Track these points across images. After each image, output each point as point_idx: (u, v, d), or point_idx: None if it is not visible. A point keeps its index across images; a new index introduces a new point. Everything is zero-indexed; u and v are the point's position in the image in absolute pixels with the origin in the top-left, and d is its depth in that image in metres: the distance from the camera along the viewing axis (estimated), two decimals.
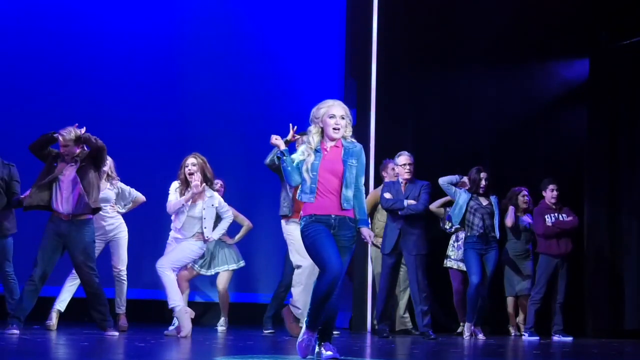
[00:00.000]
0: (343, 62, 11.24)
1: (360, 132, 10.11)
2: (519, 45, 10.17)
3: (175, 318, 7.27)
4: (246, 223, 8.81)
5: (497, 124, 10.24)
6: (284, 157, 5.15)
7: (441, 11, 10.16)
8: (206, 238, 7.26)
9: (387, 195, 8.20)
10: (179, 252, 7.23)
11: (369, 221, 5.33)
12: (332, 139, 5.15)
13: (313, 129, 5.16)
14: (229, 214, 7.51)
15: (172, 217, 7.36)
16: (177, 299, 7.12)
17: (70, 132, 7.03)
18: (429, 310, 8.06)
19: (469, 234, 8.45)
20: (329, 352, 5.05)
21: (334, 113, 5.13)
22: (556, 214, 8.89)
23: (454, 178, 8.50)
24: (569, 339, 8.61)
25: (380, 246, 8.73)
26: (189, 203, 7.20)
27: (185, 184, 7.22)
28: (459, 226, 8.73)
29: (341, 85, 11.26)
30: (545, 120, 10.32)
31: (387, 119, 10.00)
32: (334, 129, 5.11)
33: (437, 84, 10.21)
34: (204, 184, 7.22)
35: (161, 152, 9.73)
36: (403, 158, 8.25)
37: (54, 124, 7.26)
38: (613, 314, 9.34)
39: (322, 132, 5.16)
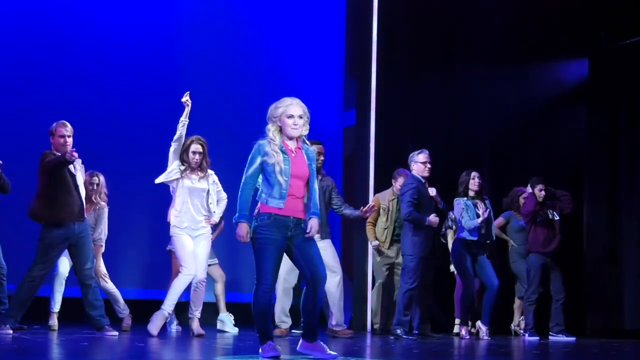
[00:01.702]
0: (343, 62, 11.25)
1: (360, 132, 10.13)
2: (519, 45, 10.16)
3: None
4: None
5: (497, 124, 10.23)
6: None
7: (441, 11, 10.15)
8: (209, 220, 7.37)
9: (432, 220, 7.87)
10: (204, 256, 7.31)
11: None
12: (290, 138, 5.14)
13: (272, 128, 5.15)
14: (224, 195, 7.60)
15: (175, 202, 7.34)
16: (172, 305, 7.27)
17: (67, 125, 7.08)
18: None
19: (464, 236, 8.40)
20: (325, 353, 5.05)
21: (292, 113, 5.12)
22: (544, 212, 8.87)
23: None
24: (572, 338, 8.60)
25: (382, 251, 8.72)
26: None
27: (189, 165, 7.30)
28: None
29: (341, 85, 11.26)
30: (545, 120, 10.31)
31: (387, 119, 9.99)
32: (292, 128, 5.11)
33: (437, 84, 10.20)
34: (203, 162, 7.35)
35: (159, 152, 9.68)
36: (424, 156, 8.05)
37: (52, 121, 7.24)
38: (613, 314, 9.34)
39: (280, 130, 5.15)
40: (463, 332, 8.35)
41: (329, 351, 5.10)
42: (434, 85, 10.21)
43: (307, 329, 5.17)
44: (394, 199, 8.71)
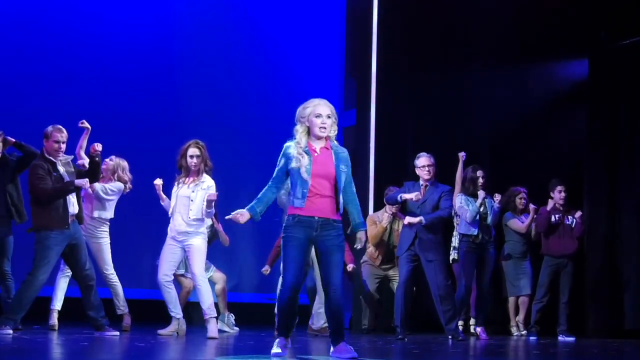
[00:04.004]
0: (343, 62, 11.26)
1: (360, 132, 10.13)
2: (518, 45, 10.16)
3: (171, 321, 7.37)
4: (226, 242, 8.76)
5: (496, 124, 10.23)
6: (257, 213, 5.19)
7: (441, 11, 10.16)
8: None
9: (406, 196, 7.73)
10: (200, 258, 7.27)
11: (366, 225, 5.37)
12: (319, 138, 5.17)
13: (300, 129, 5.19)
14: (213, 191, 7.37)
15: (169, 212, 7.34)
16: (175, 307, 7.32)
17: (63, 130, 7.09)
18: (453, 311, 7.88)
19: (465, 232, 8.41)
20: (344, 354, 5.11)
21: (320, 112, 5.15)
22: (561, 215, 8.91)
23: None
24: (572, 338, 8.62)
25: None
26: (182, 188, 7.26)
27: (186, 170, 7.25)
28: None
29: (341, 85, 11.27)
30: (545, 120, 10.31)
31: (387, 119, 9.99)
32: (321, 128, 5.13)
33: (437, 84, 10.21)
34: (201, 165, 7.24)
35: (159, 151, 9.69)
36: (423, 159, 7.91)
37: (50, 121, 7.24)
38: (613, 314, 9.34)
39: (308, 131, 5.18)
40: (482, 334, 8.39)
41: (341, 355, 5.14)
42: (434, 85, 10.22)
43: (330, 333, 5.24)
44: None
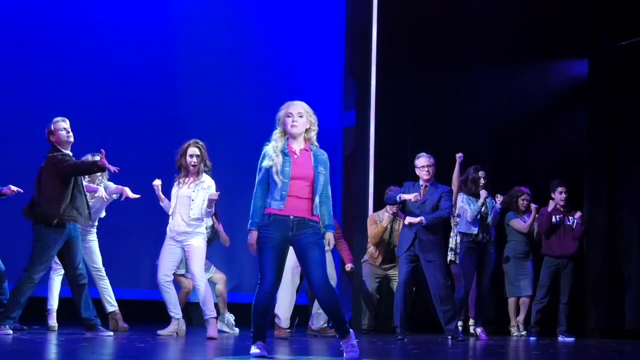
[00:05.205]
0: (343, 63, 11.26)
1: (360, 132, 10.13)
2: (519, 45, 10.16)
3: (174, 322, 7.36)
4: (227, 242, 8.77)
5: (496, 124, 10.23)
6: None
7: (441, 11, 10.16)
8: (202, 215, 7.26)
9: (405, 196, 7.73)
10: (199, 258, 7.25)
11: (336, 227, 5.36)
12: (293, 137, 5.22)
13: (277, 131, 5.28)
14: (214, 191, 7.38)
15: (170, 212, 7.34)
16: (174, 308, 7.32)
17: (65, 119, 7.10)
18: (453, 312, 7.86)
19: (465, 231, 8.41)
20: (345, 354, 5.13)
21: (291, 112, 5.24)
22: (561, 216, 8.91)
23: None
24: (572, 339, 8.63)
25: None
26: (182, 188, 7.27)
27: (185, 170, 7.25)
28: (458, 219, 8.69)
29: (341, 85, 11.27)
30: (545, 120, 10.31)
31: (387, 119, 9.99)
32: (292, 126, 5.21)
33: (437, 84, 10.20)
34: (200, 165, 7.25)
35: (158, 152, 9.70)
36: (422, 160, 7.89)
37: (48, 121, 7.23)
38: (613, 314, 9.34)
39: (285, 133, 5.26)
40: (482, 335, 8.39)
41: (345, 354, 5.15)
42: (433, 85, 10.22)
43: (334, 328, 5.34)
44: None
